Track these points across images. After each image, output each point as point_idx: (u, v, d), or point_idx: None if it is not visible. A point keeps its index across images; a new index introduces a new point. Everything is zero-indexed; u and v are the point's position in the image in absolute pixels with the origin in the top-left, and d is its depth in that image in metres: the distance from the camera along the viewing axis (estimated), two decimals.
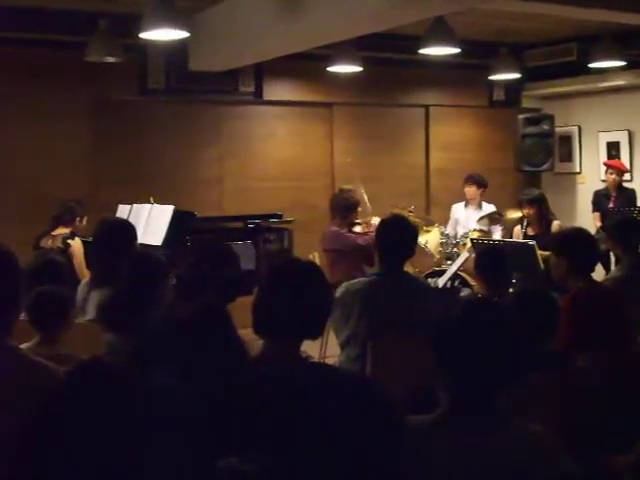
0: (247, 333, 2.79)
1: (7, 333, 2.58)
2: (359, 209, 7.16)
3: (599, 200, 8.95)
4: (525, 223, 7.36)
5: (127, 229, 4.65)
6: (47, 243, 6.50)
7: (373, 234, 6.34)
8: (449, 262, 7.51)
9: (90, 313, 4.20)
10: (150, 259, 4.03)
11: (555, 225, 7.13)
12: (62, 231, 6.58)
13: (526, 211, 7.20)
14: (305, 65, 8.88)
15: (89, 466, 1.53)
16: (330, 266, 6.86)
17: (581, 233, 4.55)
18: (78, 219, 6.75)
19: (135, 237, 4.67)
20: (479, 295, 4.86)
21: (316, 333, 2.79)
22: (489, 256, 4.94)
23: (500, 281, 4.62)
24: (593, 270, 4.38)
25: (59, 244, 6.45)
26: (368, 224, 7.07)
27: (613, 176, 8.85)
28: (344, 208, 7.03)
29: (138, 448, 1.58)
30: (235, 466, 2.03)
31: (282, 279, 2.79)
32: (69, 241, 6.47)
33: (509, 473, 2.05)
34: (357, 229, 7.08)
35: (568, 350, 3.31)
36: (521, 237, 7.23)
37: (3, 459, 1.81)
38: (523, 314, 3.44)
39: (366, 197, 7.67)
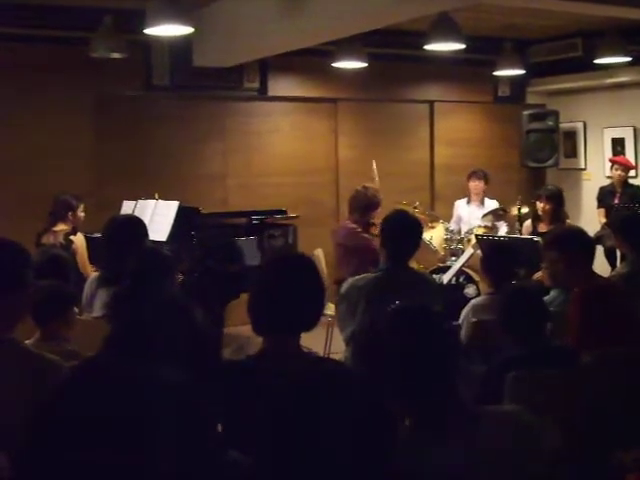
0: (249, 329, 2.79)
1: (9, 327, 2.59)
2: (379, 210, 6.97)
3: (604, 196, 8.92)
4: (528, 218, 7.31)
5: (137, 228, 4.60)
6: (49, 240, 6.42)
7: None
8: (454, 258, 7.50)
9: (97, 310, 4.20)
10: (158, 255, 4.03)
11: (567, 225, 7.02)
12: (63, 227, 6.51)
13: (542, 205, 7.06)
14: (310, 61, 8.87)
15: (92, 461, 1.53)
16: (339, 261, 6.79)
17: (573, 231, 4.55)
18: (72, 212, 6.67)
19: (146, 235, 4.62)
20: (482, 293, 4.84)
21: (312, 325, 2.79)
22: (494, 252, 4.93)
23: (505, 277, 4.61)
24: (591, 265, 4.38)
25: (61, 240, 6.41)
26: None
27: (619, 172, 8.83)
28: (364, 206, 6.83)
29: (139, 443, 1.58)
30: (237, 460, 2.03)
31: (273, 276, 2.79)
32: (71, 237, 6.44)
33: (498, 459, 2.05)
34: (373, 229, 6.90)
35: (575, 347, 3.30)
36: (530, 231, 7.16)
37: (6, 450, 1.81)
38: (511, 311, 3.47)
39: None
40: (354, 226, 6.72)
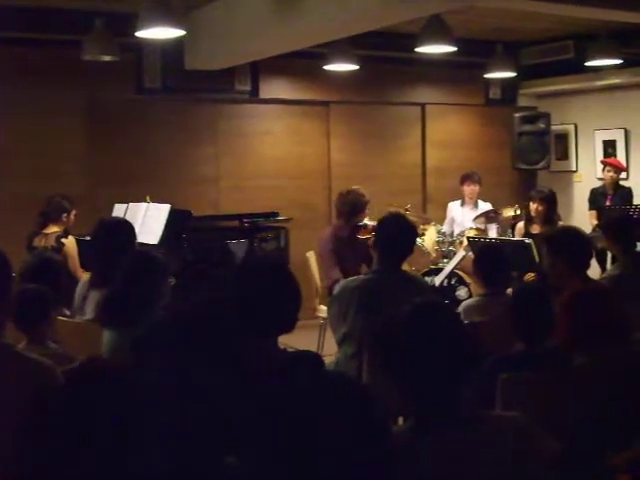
0: None
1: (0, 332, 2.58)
2: (366, 211, 6.97)
3: (596, 198, 8.94)
4: (523, 219, 7.31)
5: (126, 230, 4.61)
6: (40, 242, 6.39)
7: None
8: (446, 260, 7.50)
9: (89, 313, 4.19)
10: (150, 257, 4.03)
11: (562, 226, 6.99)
12: (54, 229, 6.47)
13: (535, 207, 7.05)
14: (301, 63, 8.88)
15: (88, 464, 1.53)
16: (322, 267, 6.87)
17: (572, 232, 4.54)
18: (65, 215, 6.65)
19: (134, 237, 4.64)
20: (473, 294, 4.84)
21: (290, 327, 2.80)
22: (486, 255, 4.92)
23: (497, 280, 4.61)
24: (588, 267, 4.38)
25: (53, 243, 6.38)
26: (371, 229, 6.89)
27: (611, 174, 8.85)
28: (349, 210, 6.84)
29: (137, 447, 1.58)
30: (234, 465, 2.03)
31: (246, 280, 2.80)
32: (63, 240, 6.41)
33: (497, 463, 2.05)
34: (362, 232, 6.88)
35: (566, 348, 3.30)
36: (523, 234, 7.16)
37: (2, 456, 1.80)
38: (520, 312, 3.45)
39: None
40: (329, 235, 6.77)
